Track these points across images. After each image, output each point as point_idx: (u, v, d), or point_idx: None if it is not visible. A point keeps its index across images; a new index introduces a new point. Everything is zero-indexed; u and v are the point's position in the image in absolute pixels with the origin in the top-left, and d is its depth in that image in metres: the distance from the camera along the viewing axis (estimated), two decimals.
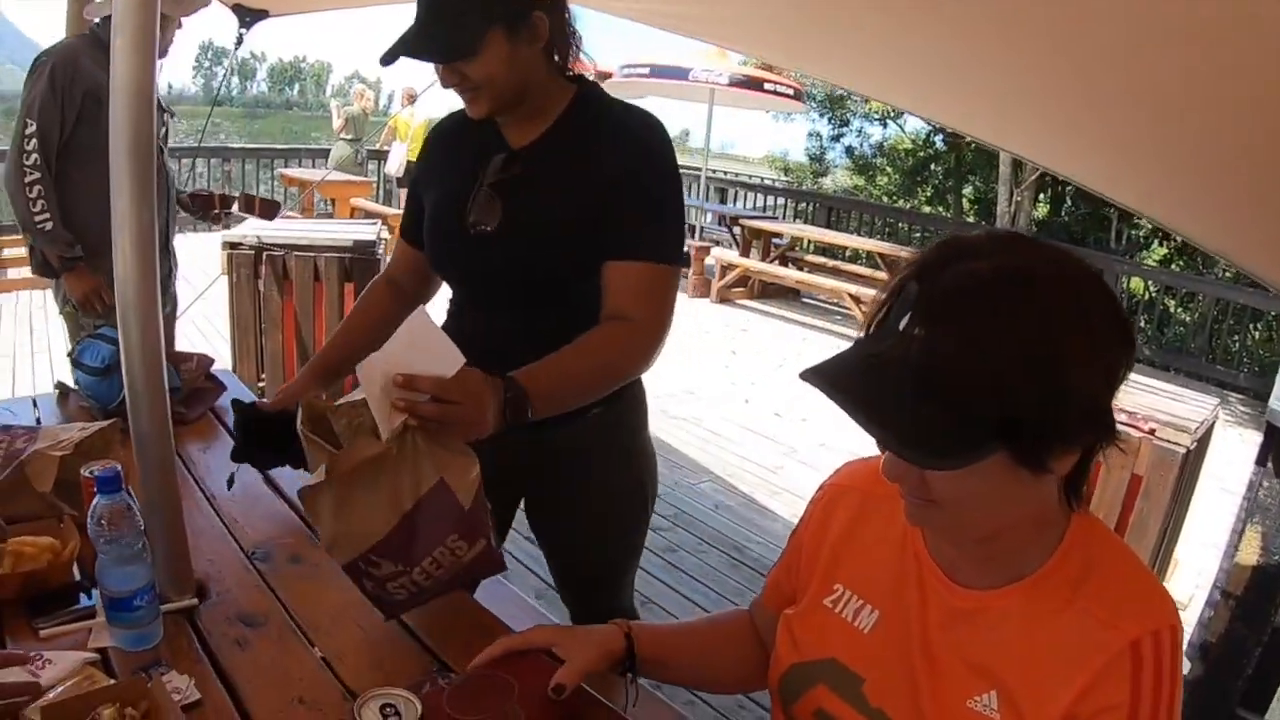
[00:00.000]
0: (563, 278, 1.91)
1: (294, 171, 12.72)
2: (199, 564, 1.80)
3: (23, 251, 9.53)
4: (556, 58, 1.91)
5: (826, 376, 1.12)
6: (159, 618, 1.62)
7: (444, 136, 2.11)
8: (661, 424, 6.13)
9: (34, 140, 3.09)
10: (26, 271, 8.99)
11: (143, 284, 1.58)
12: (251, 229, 4.87)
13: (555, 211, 1.87)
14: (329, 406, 1.57)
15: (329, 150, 12.75)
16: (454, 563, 1.57)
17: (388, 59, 1.79)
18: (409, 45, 1.77)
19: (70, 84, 3.09)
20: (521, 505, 2.27)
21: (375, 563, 1.55)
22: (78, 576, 1.77)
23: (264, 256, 4.78)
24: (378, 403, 1.50)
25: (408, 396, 1.49)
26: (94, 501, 1.53)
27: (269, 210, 3.93)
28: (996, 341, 1.02)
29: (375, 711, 1.25)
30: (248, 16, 5.00)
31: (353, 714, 1.24)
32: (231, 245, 4.93)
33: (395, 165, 11.97)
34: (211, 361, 2.79)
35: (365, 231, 5.35)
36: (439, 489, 1.52)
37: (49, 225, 3.09)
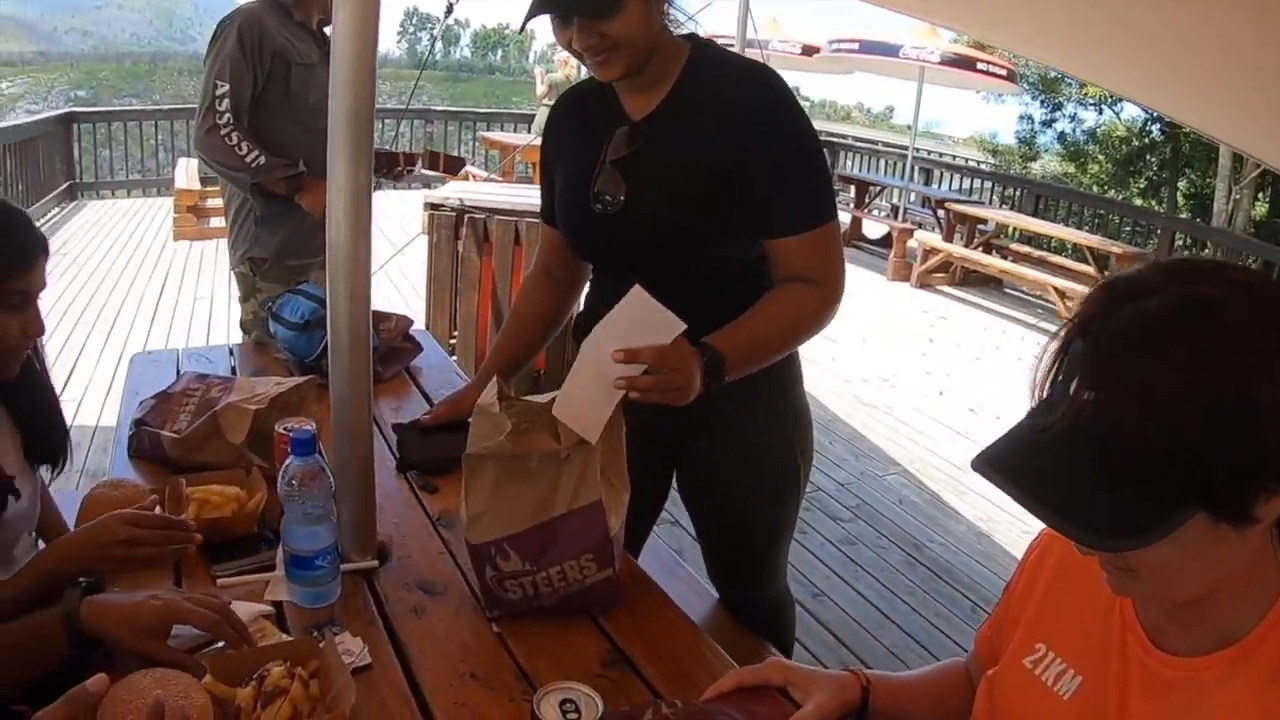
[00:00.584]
0: (693, 249, 1.89)
1: (496, 135, 12.96)
2: (383, 526, 1.80)
3: (220, 202, 10.12)
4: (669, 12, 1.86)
5: (995, 464, 0.97)
6: (338, 577, 1.62)
7: (564, 113, 2.09)
8: (852, 411, 6.00)
9: (225, 100, 3.14)
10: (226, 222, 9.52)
11: (354, 248, 1.58)
12: (454, 191, 4.94)
13: (679, 187, 1.85)
14: (510, 396, 1.56)
15: (531, 115, 12.90)
16: (578, 581, 1.58)
17: (530, 16, 1.74)
18: (555, 3, 1.73)
19: (258, 45, 3.13)
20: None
21: (506, 554, 1.56)
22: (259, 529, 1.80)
23: (465, 218, 4.83)
24: (588, 385, 1.53)
25: (629, 373, 1.54)
26: (287, 460, 1.54)
27: (453, 165, 3.92)
28: (1179, 394, 0.87)
29: (555, 707, 1.19)
30: None
31: (532, 708, 1.18)
32: (433, 206, 5.00)
33: None
34: (410, 323, 2.81)
35: None
36: (593, 508, 1.54)
37: (261, 159, 3.14)
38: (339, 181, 1.56)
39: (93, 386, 5.34)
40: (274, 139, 3.21)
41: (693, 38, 1.90)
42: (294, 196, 3.15)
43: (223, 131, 3.13)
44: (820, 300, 1.87)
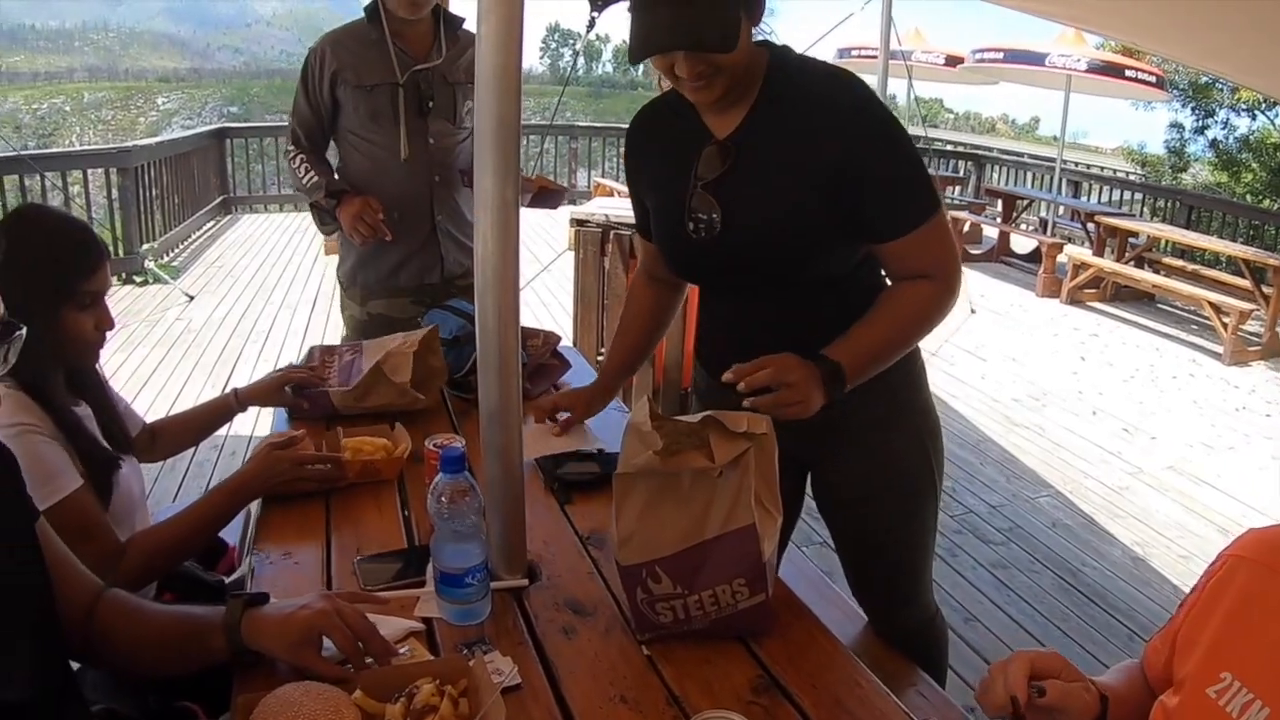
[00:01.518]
0: (794, 265, 1.86)
1: None
2: (532, 544, 1.78)
3: None
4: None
5: None
6: (488, 595, 1.61)
7: (645, 133, 2.06)
8: (1003, 431, 5.83)
9: (290, 130, 3.29)
10: None
11: (503, 264, 1.58)
12: (598, 206, 4.95)
13: (776, 206, 1.81)
14: (658, 415, 1.52)
15: None
16: (729, 606, 1.54)
17: (641, 53, 1.71)
18: (675, 36, 1.68)
19: (319, 74, 3.19)
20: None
21: (658, 576, 1.53)
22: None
23: (610, 234, 4.83)
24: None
25: (755, 382, 1.66)
26: (436, 478, 1.54)
27: (551, 200, 3.84)
28: None
29: None
30: (600, 1, 5.04)
31: None
32: (579, 222, 5.03)
33: None
34: (558, 339, 2.81)
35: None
36: (746, 532, 1.51)
37: (313, 177, 3.21)
38: (486, 198, 1.56)
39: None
40: (342, 159, 3.31)
41: (769, 45, 1.85)
42: (335, 212, 3.18)
43: (289, 156, 3.28)
44: (936, 293, 1.84)
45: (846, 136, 1.75)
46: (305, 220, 11.65)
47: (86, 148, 10.76)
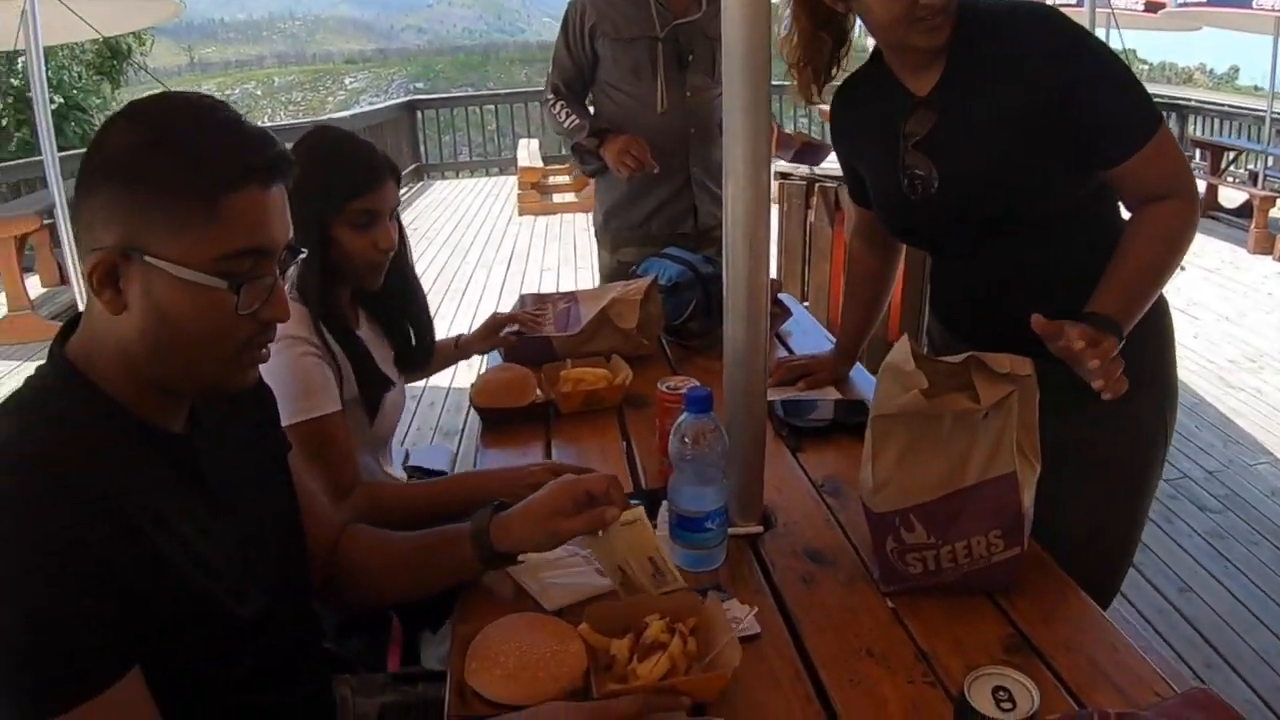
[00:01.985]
0: (1019, 213, 1.78)
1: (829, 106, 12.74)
2: (765, 492, 1.72)
3: (566, 179, 10.68)
4: None
5: None
6: (725, 542, 1.56)
7: (847, 109, 2.02)
8: (1219, 394, 5.46)
9: (549, 79, 3.35)
10: (570, 197, 9.99)
11: (754, 204, 1.52)
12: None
13: (992, 154, 1.75)
14: (919, 354, 1.41)
15: None
16: (983, 559, 1.44)
17: None
18: None
19: (579, 26, 3.22)
20: None
21: (911, 525, 1.43)
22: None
23: (816, 188, 4.72)
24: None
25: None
26: (679, 418, 1.50)
27: (814, 155, 3.72)
28: None
29: (988, 694, 1.06)
30: None
31: (963, 691, 1.05)
32: (783, 175, 4.94)
33: None
34: (780, 286, 2.79)
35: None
36: (1006, 480, 1.41)
37: (574, 119, 3.25)
38: (737, 149, 1.50)
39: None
40: (597, 110, 3.34)
41: None
42: (599, 151, 3.21)
43: (549, 104, 3.35)
44: (1181, 210, 1.70)
45: (1055, 64, 1.67)
46: (498, 184, 11.96)
47: (282, 123, 11.43)
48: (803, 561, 1.58)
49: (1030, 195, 1.75)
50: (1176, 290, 7.32)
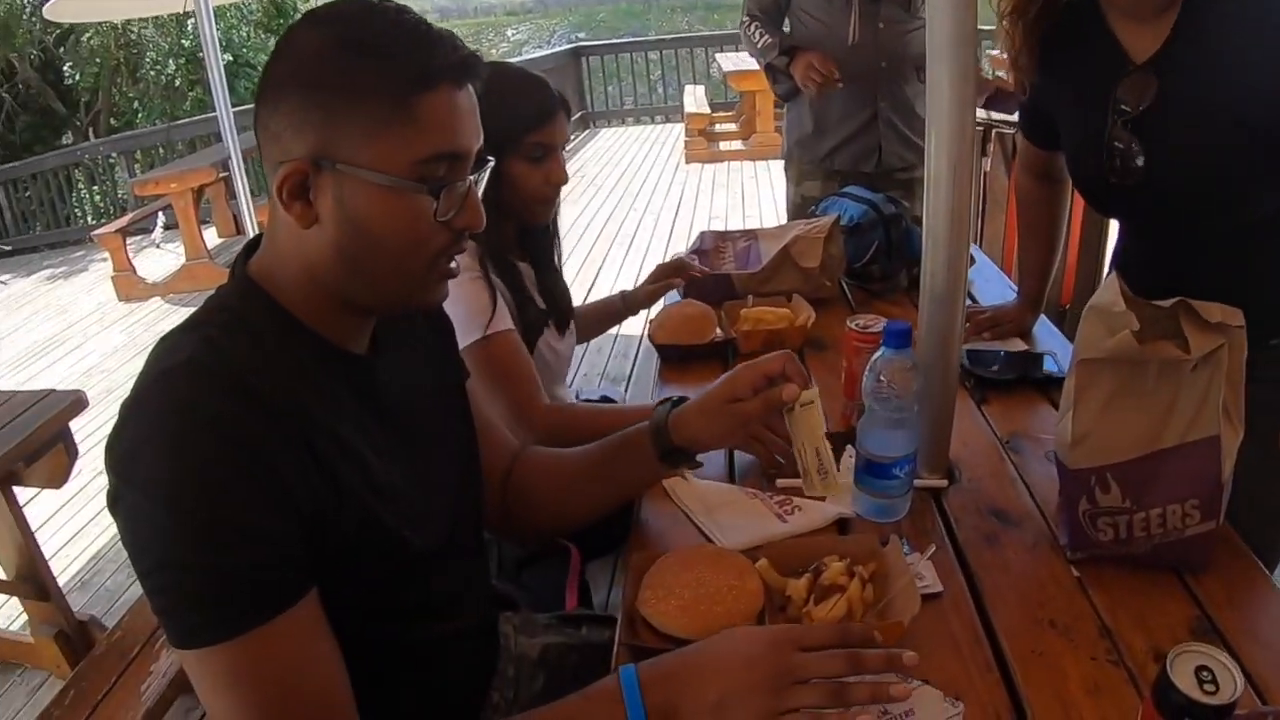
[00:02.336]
0: (1235, 207, 1.61)
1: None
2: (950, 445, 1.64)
3: (733, 126, 10.59)
4: None
5: None
6: (910, 492, 1.50)
7: (1056, 42, 1.75)
8: None
9: (749, 9, 3.31)
10: (737, 144, 9.91)
11: (957, 132, 1.43)
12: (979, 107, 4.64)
13: (1214, 142, 1.56)
14: (1129, 295, 1.29)
15: None
16: (1176, 530, 1.32)
17: None
18: None
19: None
20: None
21: (1108, 485, 1.32)
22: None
23: (992, 133, 4.50)
24: None
25: None
26: (876, 355, 1.43)
27: (1007, 104, 3.59)
28: None
29: (1191, 674, 0.97)
30: None
31: (1166, 670, 0.97)
32: None
33: None
34: None
35: None
36: (1208, 445, 1.28)
37: (766, 39, 3.23)
38: (942, 93, 1.42)
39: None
40: (796, 34, 3.30)
41: None
42: (789, 69, 3.17)
43: (744, 25, 3.33)
44: None
45: None
46: (663, 131, 11.97)
47: None
48: (987, 520, 1.50)
49: (1251, 193, 1.59)
50: None
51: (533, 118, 1.92)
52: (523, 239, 2.11)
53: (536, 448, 1.58)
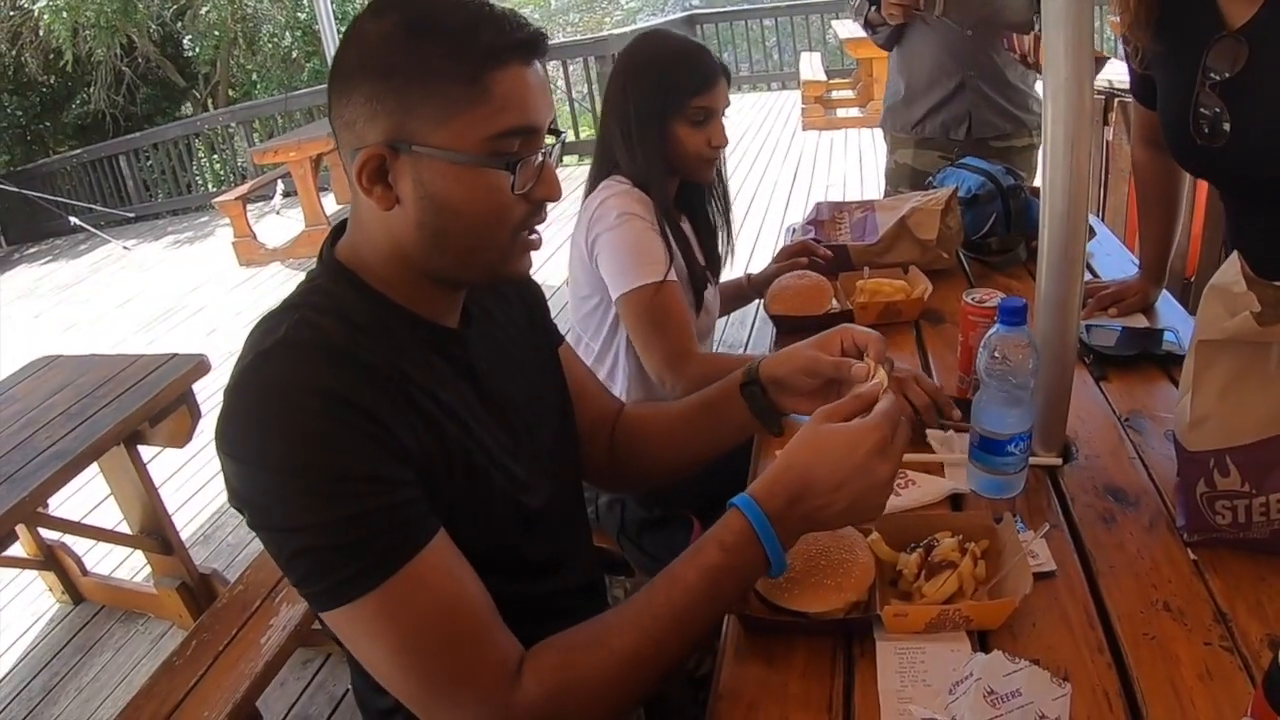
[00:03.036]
0: None
1: None
2: (1068, 420, 1.62)
3: (850, 93, 10.45)
4: None
5: None
6: (1025, 469, 1.49)
7: (1162, 6, 1.78)
8: None
9: None
10: (855, 111, 9.79)
11: (1076, 103, 1.40)
12: (1102, 73, 4.49)
13: None
14: (1251, 275, 1.24)
15: None
16: None
17: None
18: None
19: None
20: None
21: (1227, 468, 1.29)
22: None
23: (1115, 102, 4.36)
24: None
25: None
26: (990, 331, 1.43)
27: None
28: None
29: None
30: None
31: (1275, 659, 0.94)
32: None
33: None
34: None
35: None
36: None
37: None
38: (1059, 62, 1.39)
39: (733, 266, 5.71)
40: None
41: None
42: (882, 11, 3.13)
43: None
44: None
45: None
46: (779, 99, 12.01)
47: (565, 39, 12.05)
48: (1103, 499, 1.48)
49: None
50: None
51: (696, 83, 2.03)
52: (687, 197, 2.21)
53: (638, 401, 1.62)
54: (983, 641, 1.21)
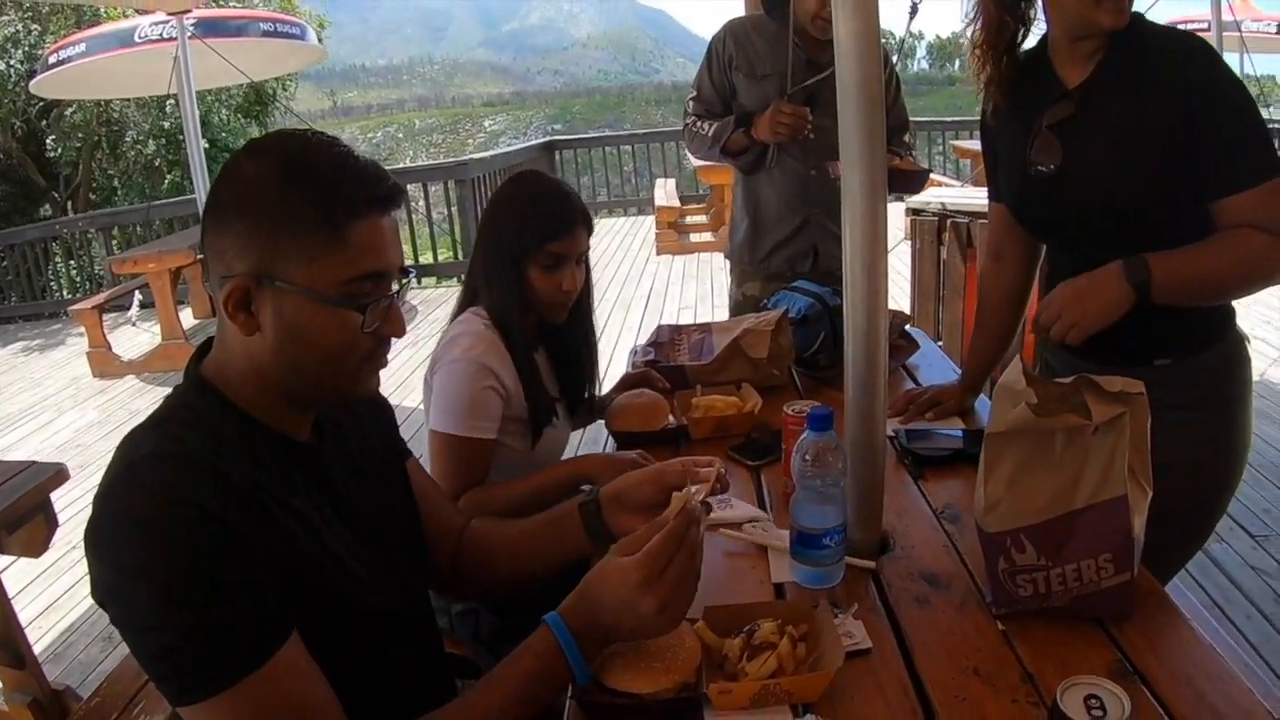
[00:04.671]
0: (1131, 215, 1.87)
1: (965, 143, 12.61)
2: (886, 516, 1.77)
3: (703, 219, 10.81)
4: None
5: None
6: (843, 560, 1.61)
7: (1005, 94, 2.07)
8: None
9: (692, 104, 3.42)
10: (707, 236, 10.10)
11: (870, 233, 1.59)
12: (935, 195, 4.83)
13: (1117, 151, 1.85)
14: (1032, 375, 1.45)
15: None
16: (1092, 583, 1.46)
17: None
18: None
19: (721, 63, 3.32)
20: None
21: (1022, 545, 1.47)
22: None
23: (948, 223, 4.68)
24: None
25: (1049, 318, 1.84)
26: (801, 436, 1.56)
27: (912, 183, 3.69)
28: None
29: (1079, 702, 1.10)
30: None
31: (1055, 698, 1.10)
32: (915, 211, 4.97)
33: None
34: (907, 319, 2.86)
35: None
36: (1117, 504, 1.44)
37: (714, 125, 3.31)
38: (854, 174, 1.58)
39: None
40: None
41: None
42: (751, 134, 3.22)
43: (690, 125, 3.41)
44: (1268, 245, 1.75)
45: (1195, 90, 1.75)
46: (635, 224, 12.19)
47: (426, 163, 12.20)
48: (918, 584, 1.62)
49: (1142, 202, 1.84)
50: None
51: (551, 229, 2.12)
52: (553, 326, 2.28)
53: (483, 518, 1.73)
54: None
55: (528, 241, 2.11)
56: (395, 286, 1.29)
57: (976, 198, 5.00)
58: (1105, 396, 1.42)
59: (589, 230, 2.22)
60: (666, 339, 2.81)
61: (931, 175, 4.35)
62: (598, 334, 2.40)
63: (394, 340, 1.33)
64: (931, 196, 4.86)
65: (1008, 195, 2.15)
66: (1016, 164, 2.03)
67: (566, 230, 2.14)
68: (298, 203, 1.17)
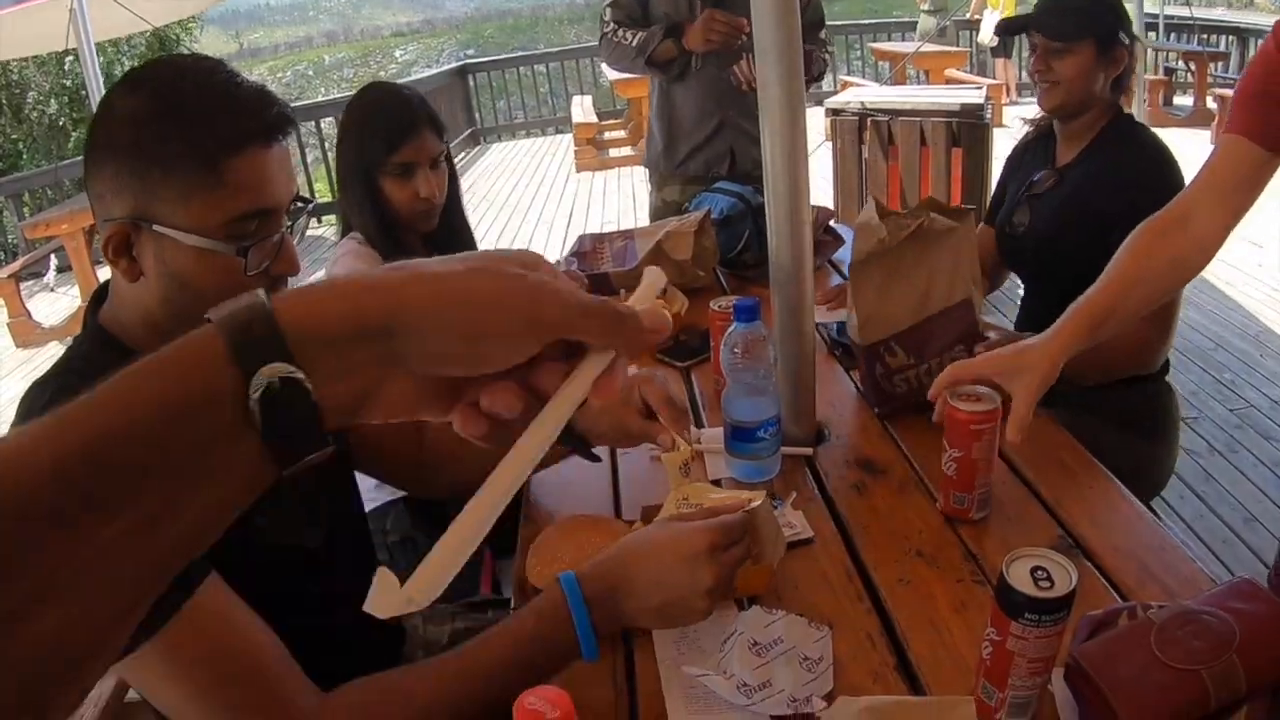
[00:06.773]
0: (1075, 269, 1.87)
1: (884, 45, 12.58)
2: (819, 407, 1.76)
3: (621, 133, 10.73)
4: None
5: None
6: (779, 452, 1.61)
7: (1023, 150, 2.51)
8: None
9: (609, 11, 3.34)
10: (627, 150, 10.04)
11: (791, 132, 1.57)
12: (855, 95, 4.82)
13: (1063, 224, 2.22)
14: (885, 210, 1.74)
15: (914, 23, 12.43)
16: None
17: (1007, 29, 2.37)
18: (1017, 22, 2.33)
19: None
20: None
21: (893, 351, 1.74)
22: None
23: (868, 122, 4.69)
24: None
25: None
26: (729, 329, 1.54)
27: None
28: None
29: (1026, 574, 1.10)
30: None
31: (1003, 573, 1.10)
32: (834, 111, 4.93)
33: (987, 34, 11.33)
34: (831, 214, 2.84)
35: (971, 95, 5.05)
36: (965, 305, 1.74)
37: (640, 34, 3.23)
38: (771, 90, 1.55)
39: None
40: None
41: (1119, 109, 2.26)
42: (678, 44, 3.17)
43: (609, 35, 3.31)
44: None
45: (1139, 191, 1.99)
46: (554, 143, 12.03)
47: (336, 96, 11.76)
48: (856, 471, 1.63)
49: (1078, 261, 1.92)
50: (1247, 220, 7.10)
51: (393, 139, 2.07)
52: (429, 244, 2.23)
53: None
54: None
55: (374, 155, 2.08)
56: (288, 221, 1.21)
57: (895, 96, 5.00)
58: (945, 212, 1.72)
59: (438, 132, 2.16)
60: (589, 248, 2.74)
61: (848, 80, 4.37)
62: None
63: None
64: (851, 96, 4.84)
65: (998, 237, 2.48)
66: (1005, 215, 2.41)
67: (409, 136, 2.09)
68: (171, 139, 1.10)
